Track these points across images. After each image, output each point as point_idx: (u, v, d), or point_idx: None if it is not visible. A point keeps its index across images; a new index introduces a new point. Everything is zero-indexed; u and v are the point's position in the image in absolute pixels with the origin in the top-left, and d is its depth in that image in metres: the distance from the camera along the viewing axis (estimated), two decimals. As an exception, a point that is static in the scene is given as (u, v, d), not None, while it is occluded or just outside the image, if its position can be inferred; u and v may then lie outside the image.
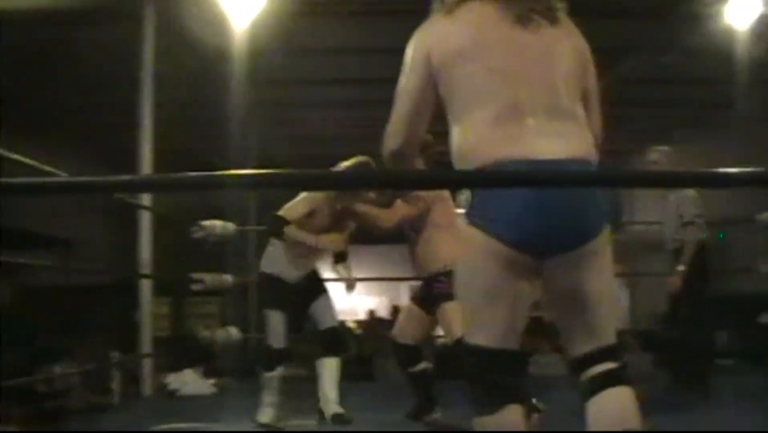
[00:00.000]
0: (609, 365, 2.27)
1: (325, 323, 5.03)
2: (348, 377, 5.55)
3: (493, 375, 2.32)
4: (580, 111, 2.31)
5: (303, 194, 4.85)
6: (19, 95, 8.61)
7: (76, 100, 9.70)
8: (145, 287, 6.36)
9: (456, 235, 4.38)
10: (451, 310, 4.59)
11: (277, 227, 4.81)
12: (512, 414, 2.29)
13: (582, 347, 2.30)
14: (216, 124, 9.14)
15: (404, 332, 4.99)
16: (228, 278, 6.13)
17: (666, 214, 6.36)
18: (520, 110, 2.21)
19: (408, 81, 2.38)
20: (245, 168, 10.52)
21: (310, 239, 4.82)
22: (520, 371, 2.40)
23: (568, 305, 2.31)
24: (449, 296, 4.53)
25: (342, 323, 5.10)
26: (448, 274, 4.45)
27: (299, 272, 4.99)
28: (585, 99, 2.37)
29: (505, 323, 2.30)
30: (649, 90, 10.58)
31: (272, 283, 4.96)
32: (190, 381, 6.36)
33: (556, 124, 2.22)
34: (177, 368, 6.50)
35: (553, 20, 2.33)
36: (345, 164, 4.75)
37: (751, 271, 7.21)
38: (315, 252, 5.05)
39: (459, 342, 4.28)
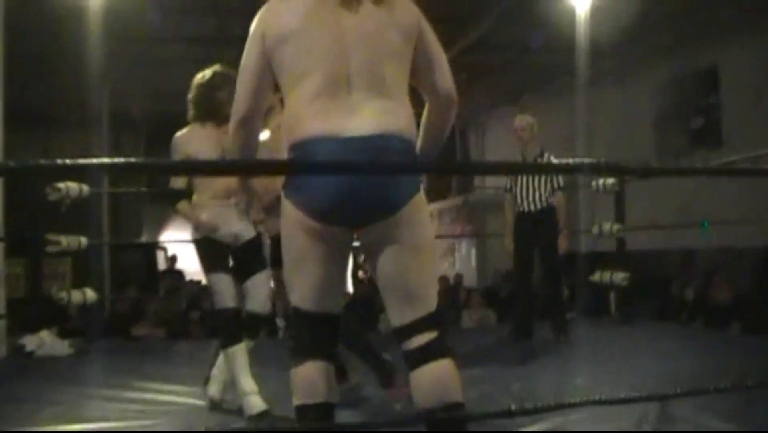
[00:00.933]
0: (427, 336, 2.41)
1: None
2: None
3: (303, 332, 2.53)
4: (398, 88, 2.43)
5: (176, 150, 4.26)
6: None
7: None
8: (-1, 249, 6.26)
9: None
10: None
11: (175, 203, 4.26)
12: (310, 368, 2.49)
13: (401, 317, 2.45)
14: (70, 78, 8.97)
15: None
16: (83, 240, 6.12)
17: (532, 180, 6.77)
18: (334, 89, 2.36)
19: (247, 59, 2.51)
20: (100, 123, 10.43)
21: (192, 215, 4.24)
22: (332, 333, 2.56)
23: (384, 274, 2.46)
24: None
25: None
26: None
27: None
28: (422, 68, 2.51)
29: (316, 288, 2.49)
30: (499, 56, 11.00)
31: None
32: (46, 342, 6.31)
33: (370, 101, 2.35)
34: (32, 329, 6.43)
35: (378, 0, 2.44)
36: (204, 73, 4.35)
37: (587, 232, 7.78)
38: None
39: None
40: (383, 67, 2.39)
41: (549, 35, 9.42)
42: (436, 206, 14.69)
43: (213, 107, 4.26)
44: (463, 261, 13.71)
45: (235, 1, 8.49)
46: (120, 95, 11.19)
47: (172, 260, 13.37)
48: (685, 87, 9.79)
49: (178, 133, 4.27)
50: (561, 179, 6.82)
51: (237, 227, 4.33)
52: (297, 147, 2.37)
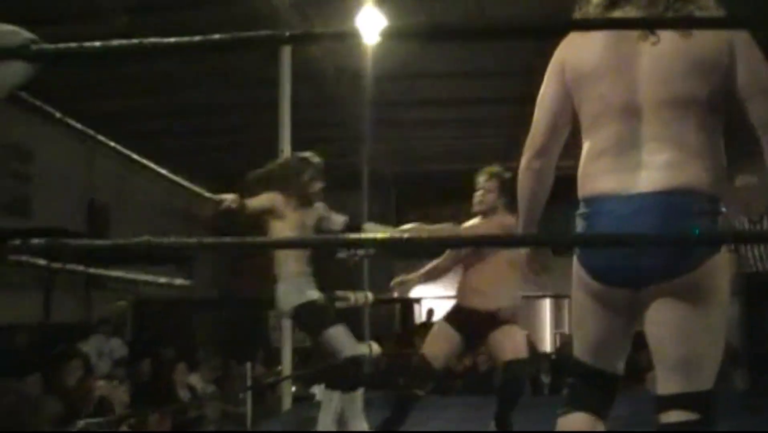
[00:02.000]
0: (685, 416, 2.17)
1: None
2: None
3: (577, 383, 2.44)
4: (697, 134, 2.18)
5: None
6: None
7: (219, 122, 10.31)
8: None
9: (517, 270, 4.61)
10: (509, 331, 4.74)
11: None
12: (575, 419, 2.39)
13: (662, 387, 2.24)
14: (339, 142, 9.50)
15: (434, 353, 4.79)
16: (369, 295, 6.38)
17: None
18: (623, 143, 2.20)
19: (544, 92, 2.40)
20: (357, 183, 10.96)
21: None
22: (606, 391, 2.43)
23: (655, 338, 2.26)
24: (509, 321, 4.77)
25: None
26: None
27: None
28: (741, 97, 2.18)
29: (592, 345, 2.39)
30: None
31: None
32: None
33: (660, 154, 2.17)
34: (318, 380, 6.75)
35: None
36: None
37: None
38: None
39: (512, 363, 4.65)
40: (680, 113, 2.18)
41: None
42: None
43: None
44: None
45: (488, 64, 8.68)
46: (373, 157, 11.66)
47: (429, 313, 13.63)
48: None
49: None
50: None
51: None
52: (584, 203, 2.30)
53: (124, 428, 5.95)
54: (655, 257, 2.16)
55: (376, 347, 6.15)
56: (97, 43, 1.55)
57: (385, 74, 8.34)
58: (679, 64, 2.18)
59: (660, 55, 2.19)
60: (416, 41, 7.68)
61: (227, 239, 1.59)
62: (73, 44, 1.55)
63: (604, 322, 2.34)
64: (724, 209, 2.22)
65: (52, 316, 9.57)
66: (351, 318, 9.50)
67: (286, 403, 6.72)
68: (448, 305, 5.08)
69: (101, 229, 10.75)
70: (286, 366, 6.62)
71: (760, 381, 6.67)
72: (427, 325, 13.04)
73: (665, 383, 2.23)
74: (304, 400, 6.75)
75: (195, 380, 8.28)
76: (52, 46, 1.52)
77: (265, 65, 7.34)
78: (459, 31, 2.24)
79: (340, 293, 6.05)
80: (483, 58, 8.58)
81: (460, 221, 4.97)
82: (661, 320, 2.21)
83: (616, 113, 2.22)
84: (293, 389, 7.18)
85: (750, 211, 6.49)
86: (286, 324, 6.62)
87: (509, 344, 4.72)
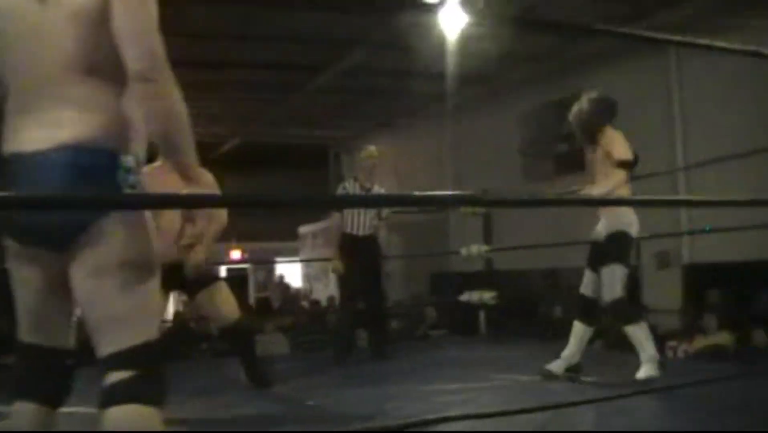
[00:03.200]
0: (119, 375, 2.14)
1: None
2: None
3: (17, 365, 2.32)
4: (83, 93, 2.18)
5: None
6: None
7: None
8: None
9: None
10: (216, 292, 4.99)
11: None
12: (20, 413, 2.28)
13: (99, 350, 2.20)
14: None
15: None
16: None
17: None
18: (30, 105, 2.19)
19: None
20: None
21: None
22: (55, 371, 2.33)
23: (80, 304, 2.25)
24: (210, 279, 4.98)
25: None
26: None
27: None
28: (117, 44, 2.16)
29: (31, 318, 2.30)
30: (372, 81, 11.17)
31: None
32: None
33: (54, 114, 2.16)
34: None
35: None
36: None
37: (456, 253, 7.98)
38: None
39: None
40: (72, 72, 2.18)
41: (421, 62, 9.63)
42: (310, 228, 14.82)
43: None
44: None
45: (199, 24, 8.27)
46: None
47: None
48: (550, 115, 10.18)
49: None
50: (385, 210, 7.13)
51: None
52: (3, 163, 2.23)
53: None
54: (50, 215, 2.14)
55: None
56: None
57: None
58: (60, 23, 2.17)
59: (44, 16, 2.18)
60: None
61: None
62: None
63: (36, 288, 2.27)
64: (129, 165, 2.21)
65: None
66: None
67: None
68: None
69: None
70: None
71: (376, 340, 7.09)
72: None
73: (98, 346, 2.19)
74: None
75: None
76: None
77: None
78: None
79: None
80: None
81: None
82: (77, 284, 2.19)
83: (23, 79, 2.22)
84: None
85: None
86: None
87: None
